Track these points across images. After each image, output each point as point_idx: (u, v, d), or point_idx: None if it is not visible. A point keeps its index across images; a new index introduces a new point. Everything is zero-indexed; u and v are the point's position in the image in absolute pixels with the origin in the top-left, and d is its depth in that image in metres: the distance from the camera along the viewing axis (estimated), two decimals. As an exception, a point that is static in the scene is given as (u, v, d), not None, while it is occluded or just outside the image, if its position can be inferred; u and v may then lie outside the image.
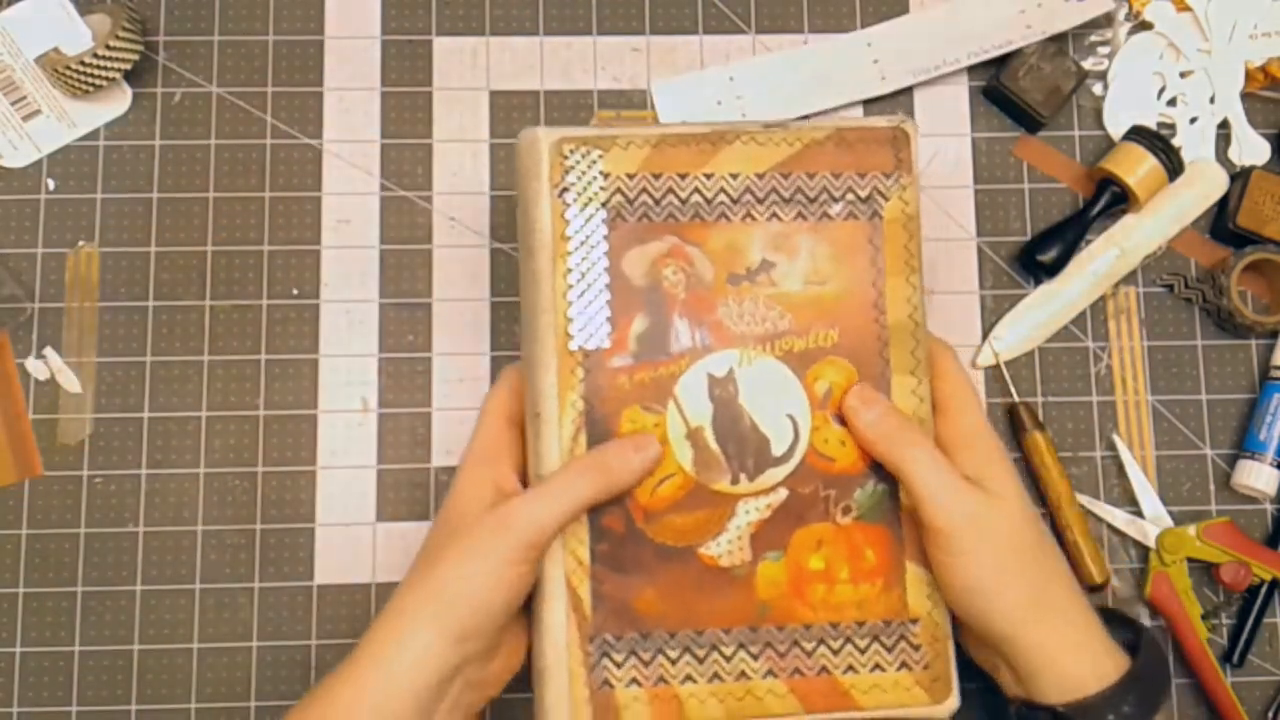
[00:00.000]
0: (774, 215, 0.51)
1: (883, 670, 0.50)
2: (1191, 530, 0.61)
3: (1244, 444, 0.62)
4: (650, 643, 0.49)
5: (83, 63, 0.60)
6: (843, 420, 0.51)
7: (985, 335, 0.64)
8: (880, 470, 0.50)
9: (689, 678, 0.49)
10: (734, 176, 0.51)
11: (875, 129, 0.53)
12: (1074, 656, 0.47)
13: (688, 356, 0.50)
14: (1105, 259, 0.64)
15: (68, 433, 0.61)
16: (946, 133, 0.65)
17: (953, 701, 0.50)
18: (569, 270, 0.50)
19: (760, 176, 0.52)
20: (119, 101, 0.64)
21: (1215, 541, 0.60)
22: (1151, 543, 0.61)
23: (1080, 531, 0.60)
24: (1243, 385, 0.64)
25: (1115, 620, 0.52)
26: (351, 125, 0.64)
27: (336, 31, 0.65)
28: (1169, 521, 0.61)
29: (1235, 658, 0.61)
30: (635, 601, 0.49)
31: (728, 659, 0.49)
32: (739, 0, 0.66)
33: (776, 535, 0.50)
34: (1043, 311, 0.63)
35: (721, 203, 0.51)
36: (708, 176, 0.51)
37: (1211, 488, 0.63)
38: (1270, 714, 0.61)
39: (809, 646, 0.50)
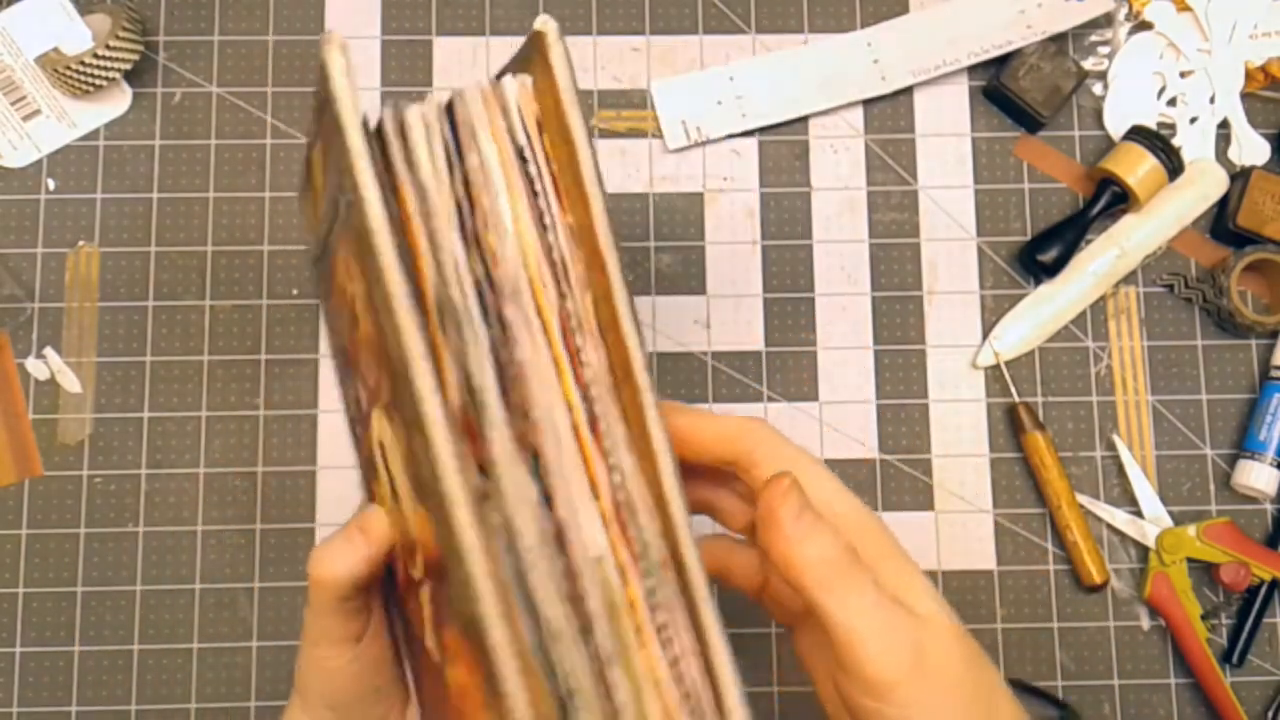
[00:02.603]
0: None
1: None
2: (1191, 530, 0.61)
3: (1244, 444, 0.62)
4: None
5: (83, 63, 0.60)
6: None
7: (985, 335, 0.64)
8: None
9: None
10: None
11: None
12: None
13: None
14: (1105, 259, 0.64)
15: (68, 433, 0.61)
16: (946, 133, 0.65)
17: None
18: None
19: None
20: (119, 101, 0.64)
21: (1215, 541, 0.60)
22: (1151, 543, 0.61)
23: (1080, 531, 0.60)
24: (1243, 385, 0.64)
25: (1037, 696, 0.51)
26: (351, 125, 0.64)
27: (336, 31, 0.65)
28: (1169, 521, 0.61)
29: (1235, 658, 0.60)
30: None
31: None
32: (739, 0, 0.66)
33: None
34: (1043, 311, 0.63)
35: None
36: None
37: (1211, 488, 0.63)
38: (1270, 714, 0.61)
39: None
